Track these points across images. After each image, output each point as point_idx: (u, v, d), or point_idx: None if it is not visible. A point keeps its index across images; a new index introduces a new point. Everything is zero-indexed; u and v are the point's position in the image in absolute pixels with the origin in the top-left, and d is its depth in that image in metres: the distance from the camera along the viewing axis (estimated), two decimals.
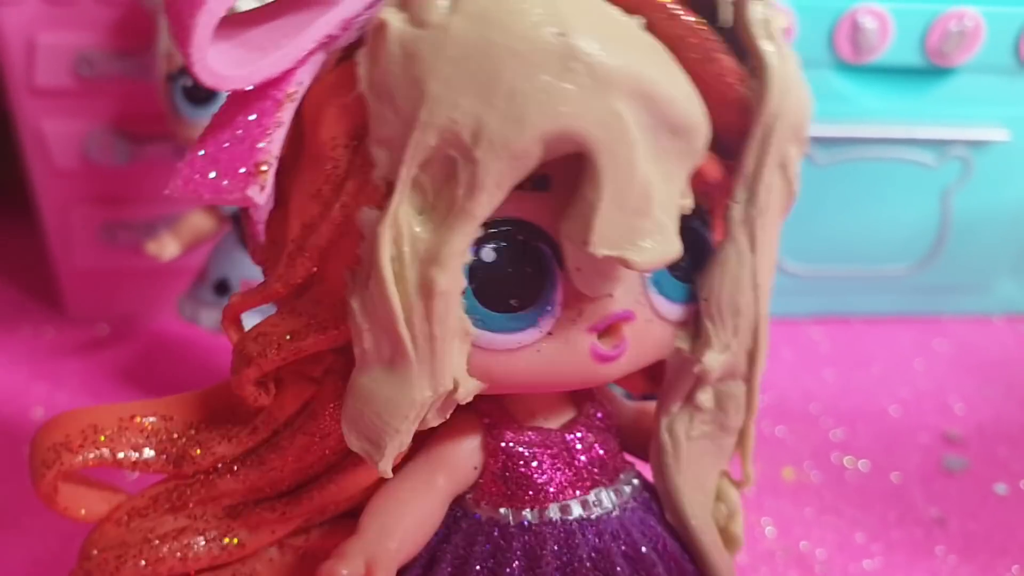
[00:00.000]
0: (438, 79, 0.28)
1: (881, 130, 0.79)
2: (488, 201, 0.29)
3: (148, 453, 0.37)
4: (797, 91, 0.32)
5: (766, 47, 0.31)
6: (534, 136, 0.28)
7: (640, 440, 0.39)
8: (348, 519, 0.37)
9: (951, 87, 0.79)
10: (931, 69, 0.78)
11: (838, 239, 0.83)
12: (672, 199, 0.31)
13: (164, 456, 0.37)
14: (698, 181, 0.33)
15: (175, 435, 0.37)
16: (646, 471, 0.39)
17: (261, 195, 0.31)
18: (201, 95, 0.61)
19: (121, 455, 0.36)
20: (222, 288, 0.65)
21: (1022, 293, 0.89)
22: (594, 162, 0.29)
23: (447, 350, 0.31)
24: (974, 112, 0.80)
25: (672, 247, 0.31)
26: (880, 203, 0.82)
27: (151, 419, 0.37)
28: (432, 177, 0.29)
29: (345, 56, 0.32)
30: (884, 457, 0.67)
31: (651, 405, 0.38)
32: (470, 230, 0.30)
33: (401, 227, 0.30)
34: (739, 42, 0.32)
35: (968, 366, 0.81)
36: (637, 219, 0.30)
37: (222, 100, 0.62)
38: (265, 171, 0.30)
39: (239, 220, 0.65)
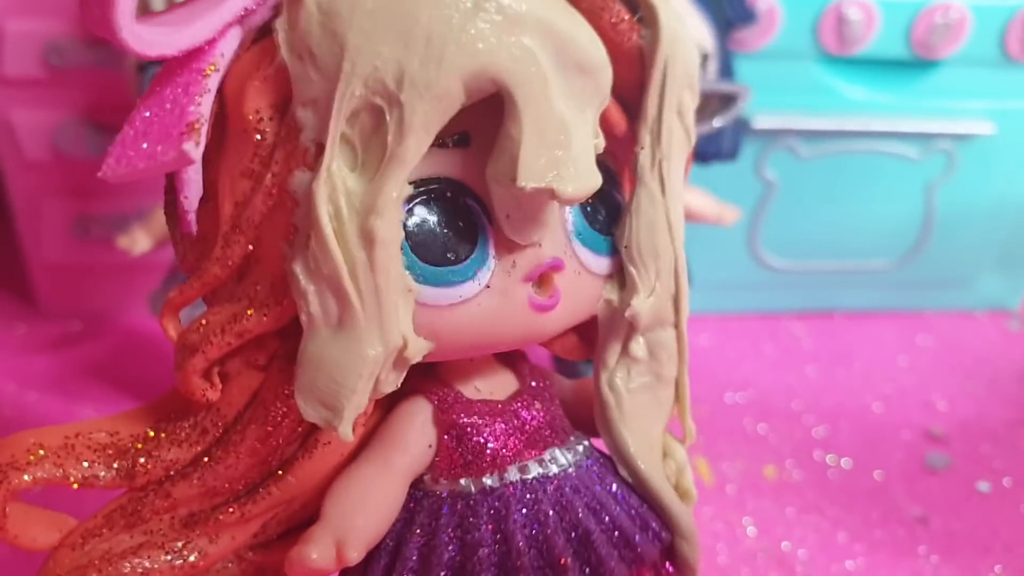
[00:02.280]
0: (357, 31, 0.29)
1: (865, 123, 0.78)
2: (416, 145, 0.30)
3: (97, 469, 0.36)
4: (685, 39, 0.35)
5: None
6: (455, 75, 0.30)
7: (583, 414, 0.39)
8: (305, 530, 0.36)
9: (936, 80, 0.78)
10: (916, 61, 0.77)
11: (821, 233, 0.83)
12: (587, 135, 0.33)
13: (114, 470, 0.36)
14: (608, 136, 0.34)
15: (123, 448, 0.36)
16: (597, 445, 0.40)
17: (196, 150, 0.31)
18: None
19: (71, 472, 0.35)
20: None
21: (1006, 288, 0.88)
22: (513, 98, 0.30)
23: (393, 304, 0.31)
24: (959, 105, 0.79)
25: (594, 177, 0.32)
26: (864, 197, 0.82)
27: (97, 435, 0.36)
28: (360, 130, 0.31)
29: (259, 36, 0.33)
30: (867, 455, 0.67)
31: (588, 380, 0.39)
32: (402, 176, 0.31)
33: (335, 183, 0.30)
34: None
35: (952, 362, 0.80)
36: (559, 151, 0.31)
37: None
38: (198, 128, 0.31)
39: None
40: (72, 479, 0.36)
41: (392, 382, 0.33)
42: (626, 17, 0.33)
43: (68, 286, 0.78)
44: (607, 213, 0.36)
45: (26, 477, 0.35)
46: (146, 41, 0.30)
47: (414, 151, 0.30)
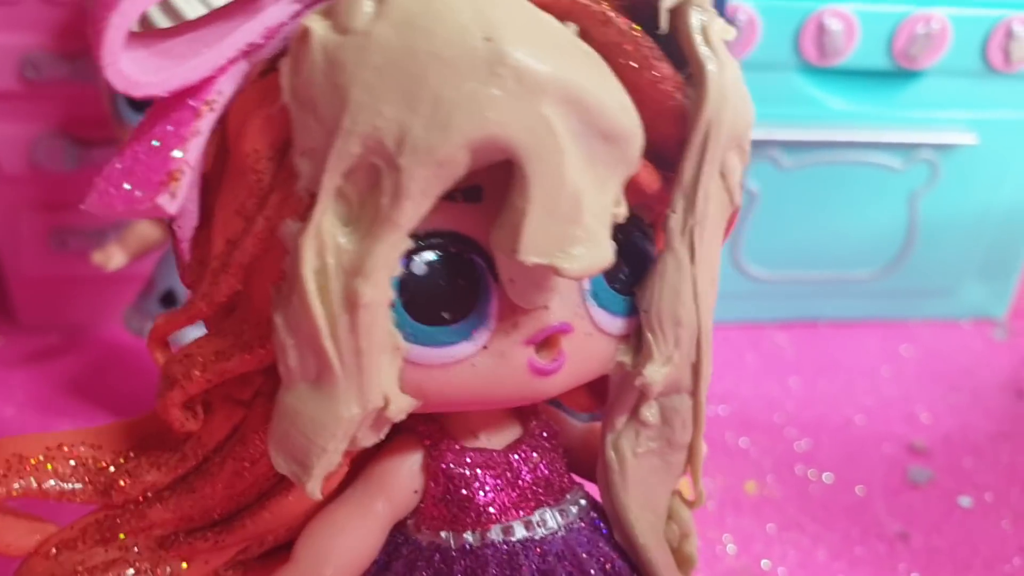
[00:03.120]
0: (361, 86, 0.27)
1: (847, 133, 0.78)
2: (414, 210, 0.28)
3: (75, 484, 0.36)
4: (736, 99, 0.32)
5: (703, 53, 0.31)
6: (460, 143, 0.28)
7: (589, 460, 0.38)
8: (286, 552, 0.36)
9: (918, 90, 0.78)
10: (898, 72, 0.77)
11: (803, 243, 0.82)
12: (605, 207, 0.30)
13: (92, 486, 0.36)
14: (638, 193, 0.32)
15: (103, 464, 0.36)
16: (596, 493, 0.38)
17: (172, 203, 0.30)
18: (144, 101, 0.59)
19: (47, 485, 0.35)
20: (169, 300, 0.64)
21: (990, 297, 0.88)
22: (523, 169, 0.28)
23: (375, 365, 0.30)
24: (941, 115, 0.79)
25: (604, 255, 0.30)
26: (846, 207, 0.81)
27: (79, 448, 0.36)
28: (357, 187, 0.29)
29: (268, 68, 0.31)
30: (848, 469, 0.67)
31: (599, 425, 0.38)
32: (395, 240, 0.29)
33: (325, 238, 0.29)
34: (677, 50, 0.31)
35: (935, 372, 0.80)
36: (568, 226, 0.29)
37: None
38: (178, 179, 0.30)
39: None
40: (50, 494, 0.35)
41: (371, 438, 0.32)
42: (669, 76, 0.31)
43: (46, 299, 0.78)
44: (631, 270, 0.34)
45: (2, 490, 0.35)
46: (132, 81, 0.29)
47: (410, 215, 0.28)
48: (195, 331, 0.34)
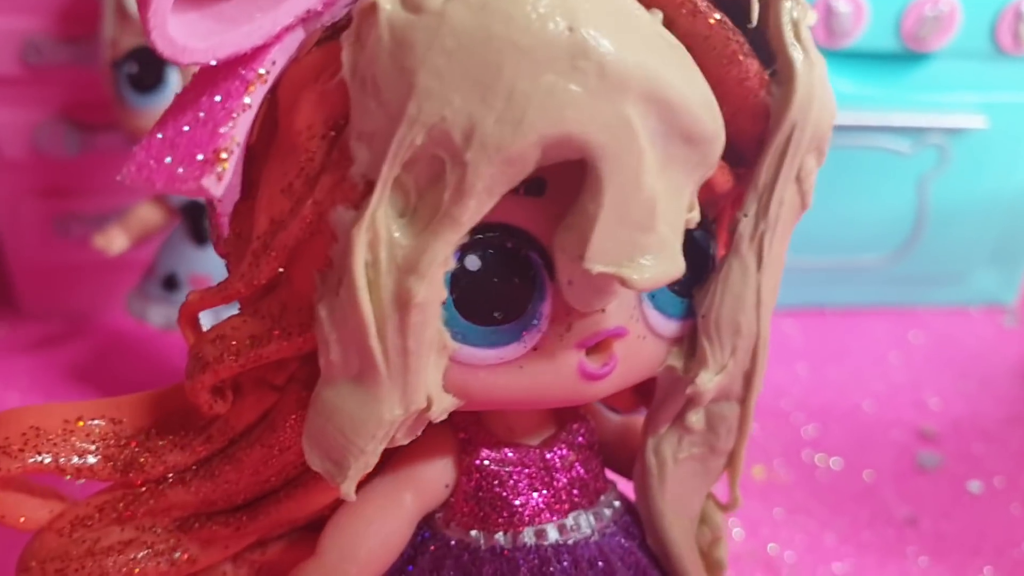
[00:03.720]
0: (430, 72, 0.25)
1: (856, 117, 0.77)
2: (476, 208, 0.26)
3: (93, 459, 0.34)
4: (821, 99, 0.30)
5: (794, 52, 0.29)
6: (533, 140, 0.26)
7: (624, 457, 0.37)
8: (308, 532, 0.35)
9: (927, 73, 0.77)
10: (907, 54, 0.76)
11: (811, 229, 0.81)
12: (679, 213, 0.28)
13: (111, 463, 0.34)
14: (706, 190, 0.30)
15: (124, 440, 0.34)
16: (628, 488, 0.37)
17: (218, 186, 0.27)
18: (147, 83, 0.59)
19: (64, 461, 0.33)
20: (170, 283, 0.63)
21: (1000, 283, 0.87)
22: (597, 171, 0.26)
23: (421, 366, 0.28)
24: (951, 99, 0.78)
25: (675, 266, 0.28)
26: (855, 192, 0.81)
27: (98, 422, 0.34)
28: (416, 178, 0.27)
29: (328, 36, 0.29)
30: (857, 455, 0.66)
31: (638, 420, 0.36)
32: (454, 238, 0.27)
33: (379, 230, 0.27)
34: (765, 44, 0.30)
35: (944, 359, 0.79)
36: (639, 234, 0.27)
37: (169, 89, 0.60)
38: (225, 159, 0.27)
39: (189, 213, 0.63)
40: (67, 471, 0.34)
41: (408, 438, 0.30)
42: (756, 72, 0.29)
43: (49, 286, 0.77)
44: (691, 271, 0.31)
45: (18, 464, 0.33)
46: (179, 47, 0.26)
47: (472, 213, 0.26)
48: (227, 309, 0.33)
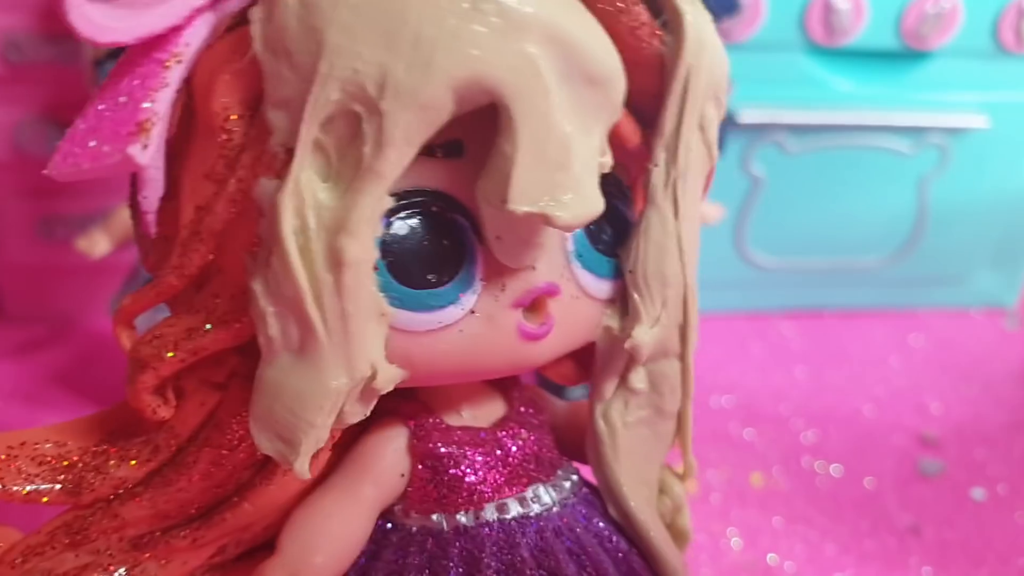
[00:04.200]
0: (338, 27, 0.26)
1: (855, 117, 0.76)
2: (398, 159, 0.27)
3: (43, 484, 0.33)
4: (712, 47, 0.31)
5: (679, 1, 0.30)
6: (444, 83, 0.26)
7: (576, 439, 0.37)
8: (265, 552, 0.34)
9: (928, 72, 0.76)
10: (907, 53, 0.75)
11: (810, 230, 0.81)
12: (592, 154, 0.29)
13: (60, 486, 0.34)
14: (618, 149, 0.31)
15: (70, 462, 0.34)
16: (587, 475, 0.37)
17: (143, 154, 0.28)
18: None
19: (14, 487, 0.33)
20: None
21: (1002, 285, 0.86)
22: (509, 112, 0.27)
23: (362, 331, 0.28)
24: (952, 98, 0.77)
25: (595, 202, 0.29)
26: (854, 193, 0.80)
27: (45, 446, 0.34)
28: (336, 138, 0.27)
29: (236, 23, 0.30)
30: (857, 461, 0.65)
31: (584, 404, 0.37)
32: (379, 192, 0.27)
33: (304, 195, 0.27)
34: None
35: (945, 362, 0.78)
36: (557, 173, 0.28)
37: None
38: (148, 130, 0.28)
39: None
40: (15, 496, 0.33)
41: (358, 413, 0.30)
42: (646, 21, 0.30)
43: (32, 289, 0.76)
44: (613, 232, 0.33)
45: None
46: (97, 25, 0.28)
47: (394, 165, 0.27)
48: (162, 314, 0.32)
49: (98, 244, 0.61)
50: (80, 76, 0.66)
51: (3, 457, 0.33)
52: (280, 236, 0.27)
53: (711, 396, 0.71)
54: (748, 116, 0.73)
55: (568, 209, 0.28)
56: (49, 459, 0.34)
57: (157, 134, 0.29)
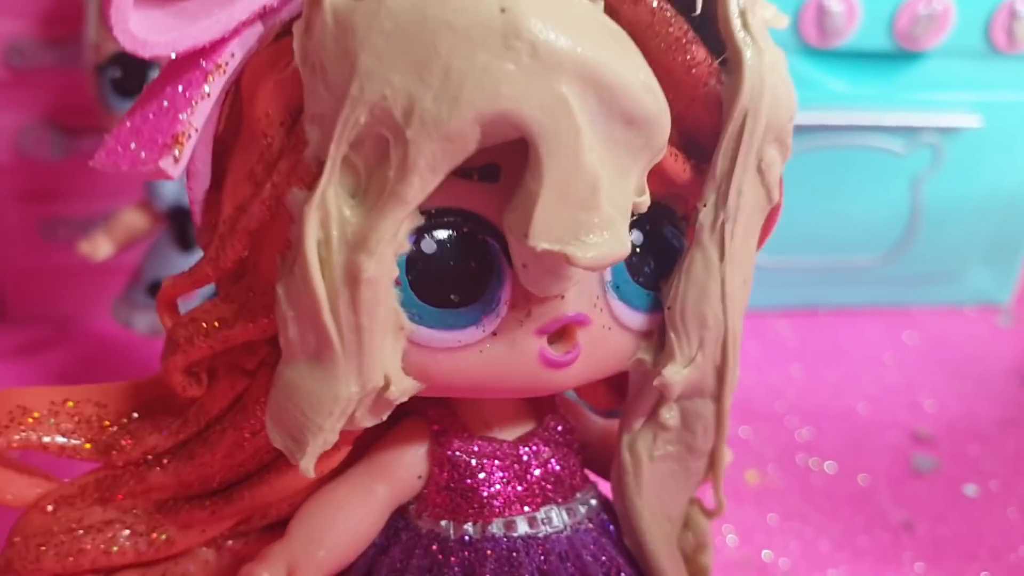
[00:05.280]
0: (370, 53, 0.26)
1: (849, 117, 0.76)
2: (421, 185, 0.27)
3: (76, 440, 0.35)
4: (776, 88, 0.30)
5: (740, 38, 0.30)
6: (470, 117, 0.26)
7: (606, 457, 0.37)
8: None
9: (921, 72, 0.76)
10: (900, 53, 0.75)
11: (805, 229, 0.81)
12: (625, 195, 0.29)
13: (93, 444, 0.35)
14: (668, 183, 0.31)
15: (106, 423, 0.36)
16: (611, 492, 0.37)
17: (175, 168, 0.29)
18: (130, 87, 0.58)
19: (47, 439, 0.35)
20: (156, 291, 0.62)
21: (995, 282, 0.87)
22: (536, 149, 0.27)
23: (376, 343, 0.29)
24: (945, 98, 0.77)
25: (620, 245, 0.28)
26: (849, 192, 0.80)
27: (85, 405, 0.36)
28: (365, 157, 0.28)
29: (284, 31, 0.30)
30: (851, 458, 0.65)
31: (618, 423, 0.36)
32: (401, 215, 0.28)
33: (329, 209, 0.28)
34: (716, 34, 0.30)
35: (939, 360, 0.79)
36: (582, 212, 0.28)
37: None
38: (182, 144, 0.29)
39: (175, 219, 0.62)
40: (50, 449, 0.35)
41: (370, 419, 0.31)
42: (703, 60, 0.30)
43: (36, 291, 0.77)
44: (657, 264, 0.32)
45: (2, 440, 0.34)
46: (140, 41, 0.28)
47: (417, 191, 0.27)
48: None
49: (100, 247, 0.62)
50: (81, 81, 0.67)
51: (44, 411, 0.35)
52: (303, 246, 0.28)
53: None
54: None
55: (591, 250, 0.28)
56: (87, 418, 0.36)
57: (190, 147, 0.29)
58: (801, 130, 0.75)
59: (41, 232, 0.74)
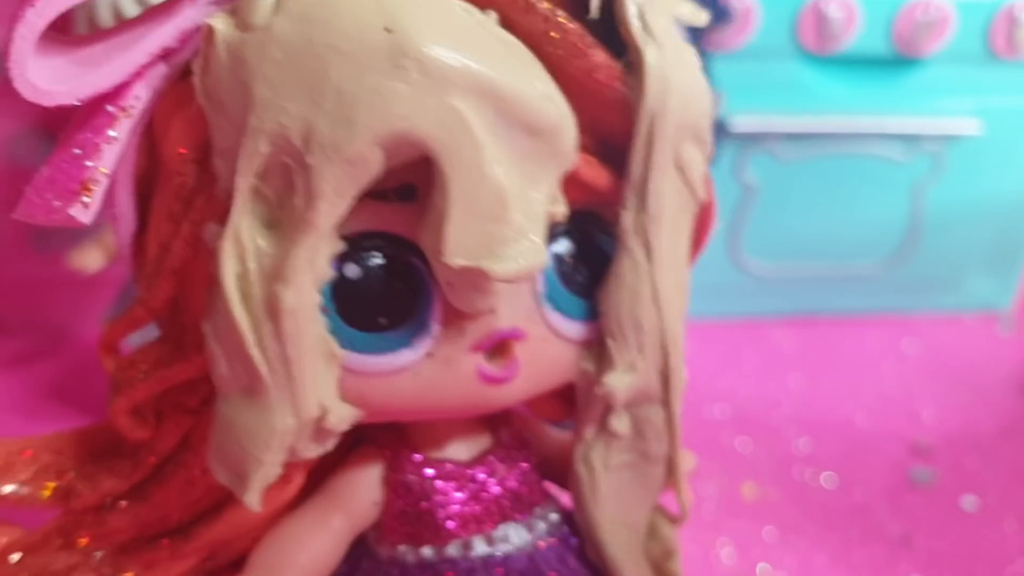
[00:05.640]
0: (264, 82, 0.27)
1: (848, 124, 0.76)
2: (329, 210, 0.27)
3: (35, 489, 0.35)
4: (685, 86, 0.30)
5: (641, 40, 0.30)
6: (367, 139, 0.26)
7: (566, 470, 0.36)
8: None
9: (920, 78, 0.76)
10: (899, 60, 0.75)
11: (804, 236, 0.80)
12: (536, 205, 0.29)
13: (52, 492, 0.35)
14: (589, 191, 0.31)
15: (63, 470, 0.35)
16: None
17: (85, 214, 0.30)
18: None
19: (8, 490, 0.35)
20: None
21: (995, 291, 0.86)
22: (439, 165, 0.27)
23: (307, 373, 0.29)
24: (945, 104, 0.76)
25: (535, 256, 0.29)
26: (848, 199, 0.79)
27: (41, 453, 0.36)
28: (274, 187, 0.28)
29: (189, 69, 0.30)
30: (849, 470, 0.65)
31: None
32: (313, 241, 0.28)
33: (244, 241, 0.28)
34: (619, 39, 0.30)
35: (938, 369, 0.78)
36: (493, 225, 0.28)
37: None
38: (90, 190, 0.29)
39: None
40: (10, 499, 0.35)
41: (313, 450, 0.30)
42: (602, 63, 0.30)
43: (27, 301, 0.76)
44: (590, 272, 0.33)
45: None
46: (41, 91, 0.28)
47: (326, 216, 0.27)
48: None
49: (92, 257, 0.62)
50: None
51: (3, 462, 0.35)
52: (221, 280, 0.28)
53: (703, 405, 0.71)
54: (741, 124, 0.73)
55: (507, 262, 0.28)
56: (45, 467, 0.35)
57: (100, 193, 0.30)
58: (799, 137, 0.76)
59: (32, 242, 0.74)
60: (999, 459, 0.67)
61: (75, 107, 0.30)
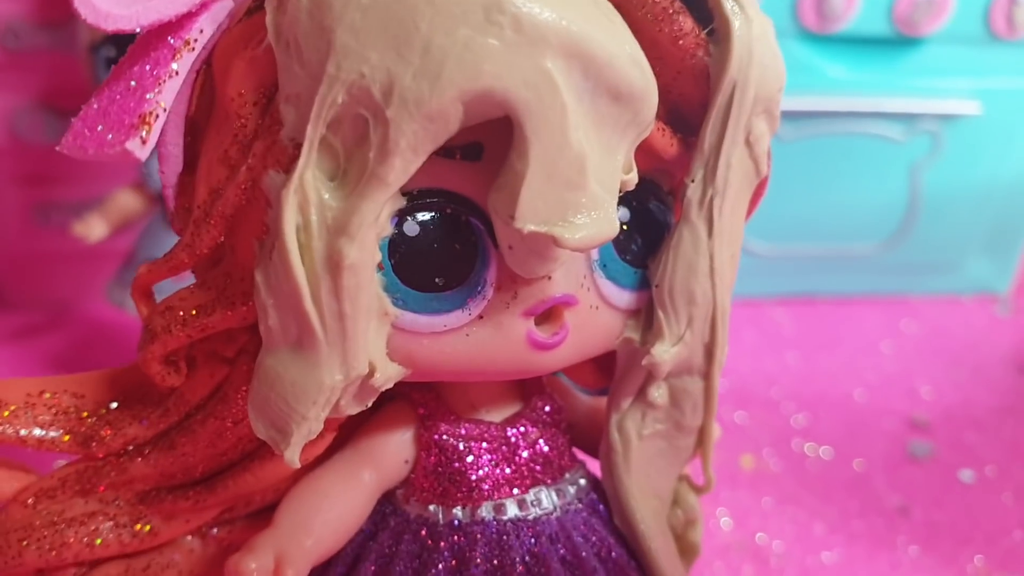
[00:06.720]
0: (347, 29, 0.25)
1: (847, 103, 0.76)
2: (403, 167, 0.26)
3: (55, 432, 0.34)
4: (765, 59, 0.30)
5: (728, 9, 0.29)
6: (452, 96, 0.25)
7: (594, 436, 0.36)
8: (273, 513, 0.35)
9: (920, 58, 0.76)
10: (899, 39, 0.75)
11: (803, 217, 0.81)
12: (612, 172, 0.28)
13: (72, 436, 0.35)
14: (654, 158, 0.30)
15: (85, 414, 0.35)
16: (599, 470, 0.37)
17: (142, 149, 0.28)
18: None
19: (26, 433, 0.34)
20: None
21: (993, 271, 0.86)
22: (521, 127, 0.26)
23: (360, 330, 0.28)
24: (944, 84, 0.77)
25: (609, 225, 0.28)
26: (847, 179, 0.80)
27: (62, 396, 0.35)
28: (343, 139, 0.27)
29: (256, 6, 0.29)
30: (847, 444, 0.65)
31: (606, 400, 0.36)
32: (382, 198, 0.27)
33: (308, 193, 0.27)
34: (704, 6, 0.29)
35: (937, 348, 0.78)
36: (569, 192, 0.27)
37: None
38: (149, 124, 0.28)
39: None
40: (28, 442, 0.34)
41: (355, 406, 0.30)
42: (690, 31, 0.29)
43: (29, 275, 0.76)
44: (644, 242, 0.32)
45: None
46: (102, 13, 0.27)
47: (399, 172, 0.26)
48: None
49: (94, 229, 0.62)
50: (77, 63, 0.67)
51: (22, 404, 0.34)
52: (282, 232, 0.27)
53: None
54: None
55: (579, 231, 0.27)
56: (65, 409, 0.35)
57: (159, 128, 0.28)
58: (799, 116, 0.76)
59: (35, 216, 0.74)
60: (997, 435, 0.67)
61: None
